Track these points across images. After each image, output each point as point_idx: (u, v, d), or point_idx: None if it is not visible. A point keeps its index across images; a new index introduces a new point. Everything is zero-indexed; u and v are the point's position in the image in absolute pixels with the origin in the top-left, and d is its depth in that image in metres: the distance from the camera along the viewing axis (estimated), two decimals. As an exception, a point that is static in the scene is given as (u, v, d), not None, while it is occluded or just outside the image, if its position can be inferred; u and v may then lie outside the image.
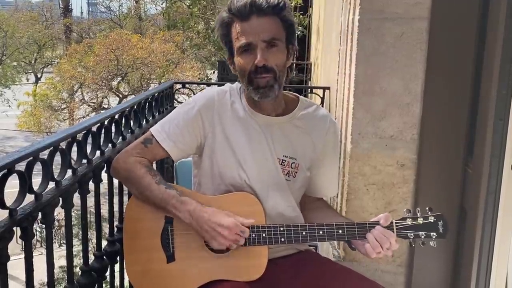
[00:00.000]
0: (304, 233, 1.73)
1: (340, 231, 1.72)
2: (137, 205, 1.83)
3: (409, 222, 1.72)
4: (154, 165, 2.50)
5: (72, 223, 1.93)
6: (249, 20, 1.73)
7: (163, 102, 3.28)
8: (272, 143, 1.84)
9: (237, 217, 1.70)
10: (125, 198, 2.24)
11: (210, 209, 1.72)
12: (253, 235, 1.72)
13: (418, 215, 1.73)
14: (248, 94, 1.81)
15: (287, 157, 1.86)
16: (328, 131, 1.94)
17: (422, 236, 1.72)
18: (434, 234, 1.71)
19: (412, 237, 1.72)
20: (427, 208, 1.74)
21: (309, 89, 4.91)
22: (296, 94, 1.99)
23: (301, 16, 8.02)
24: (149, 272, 1.80)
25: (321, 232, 1.73)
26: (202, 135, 1.83)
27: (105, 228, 2.38)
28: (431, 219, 1.72)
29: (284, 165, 1.86)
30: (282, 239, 1.73)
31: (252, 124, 1.84)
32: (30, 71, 30.24)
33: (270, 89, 1.76)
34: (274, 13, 1.74)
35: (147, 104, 2.86)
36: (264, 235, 1.72)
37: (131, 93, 19.83)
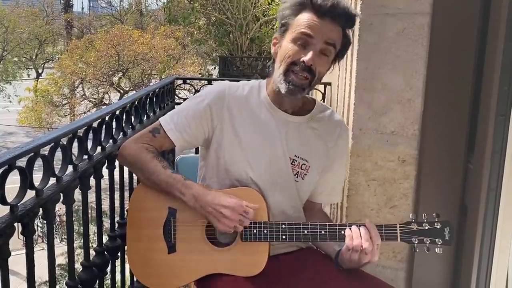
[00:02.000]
0: (305, 231, 1.73)
1: (342, 232, 1.72)
2: (142, 195, 1.85)
3: (414, 227, 1.71)
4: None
5: (73, 218, 1.94)
6: (323, 18, 1.70)
7: (164, 97, 3.27)
8: (286, 141, 1.84)
9: (242, 200, 1.69)
10: (126, 194, 2.24)
11: (213, 191, 1.73)
12: (255, 231, 1.73)
13: (424, 221, 1.72)
14: (276, 84, 1.78)
15: (298, 157, 1.86)
16: (341, 136, 1.94)
17: (427, 242, 1.70)
18: (440, 240, 1.70)
19: (416, 242, 1.71)
20: (434, 214, 1.73)
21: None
22: (312, 97, 1.99)
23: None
24: (150, 262, 1.81)
25: (323, 232, 1.73)
26: (210, 129, 1.84)
27: (106, 224, 2.38)
28: (437, 225, 1.71)
29: (294, 165, 1.86)
30: (284, 237, 1.73)
31: (269, 119, 1.83)
32: (31, 67, 30.27)
33: (300, 91, 1.76)
34: (343, 25, 1.74)
35: (148, 99, 2.86)
36: (265, 231, 1.73)
37: (132, 88, 19.83)
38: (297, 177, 1.87)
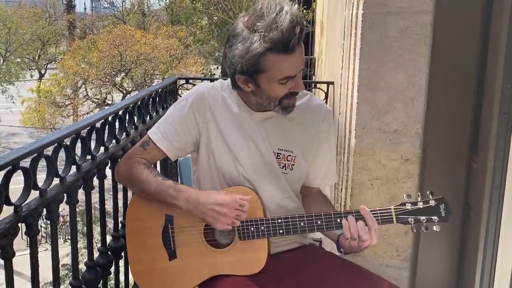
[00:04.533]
0: (302, 223, 1.73)
1: (338, 220, 1.71)
2: (138, 205, 1.85)
3: (408, 207, 1.69)
4: (158, 163, 2.51)
5: (77, 219, 1.94)
6: (294, 52, 1.65)
7: (166, 98, 3.28)
8: (267, 138, 1.84)
9: (235, 194, 1.70)
10: (129, 194, 2.25)
11: (206, 192, 1.73)
12: (252, 228, 1.73)
13: (419, 200, 1.71)
14: (271, 109, 1.79)
15: (282, 150, 1.86)
16: (323, 120, 1.93)
17: (423, 221, 1.68)
18: (436, 218, 1.68)
19: (412, 223, 1.69)
20: (428, 192, 1.71)
21: (313, 84, 4.91)
22: None
23: (305, 11, 8.01)
24: (153, 271, 1.81)
25: (319, 222, 1.72)
26: (196, 132, 1.84)
27: (110, 224, 2.39)
28: (432, 202, 1.69)
29: (280, 158, 1.86)
30: (281, 231, 1.73)
31: (247, 120, 1.84)
32: (34, 68, 30.34)
33: (294, 105, 1.79)
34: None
35: (150, 100, 2.86)
36: (262, 228, 1.73)
37: (134, 89, 19.88)
38: (285, 169, 1.87)
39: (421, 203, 1.70)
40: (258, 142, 1.83)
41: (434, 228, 1.70)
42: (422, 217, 1.69)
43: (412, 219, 1.69)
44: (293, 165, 1.88)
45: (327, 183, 2.08)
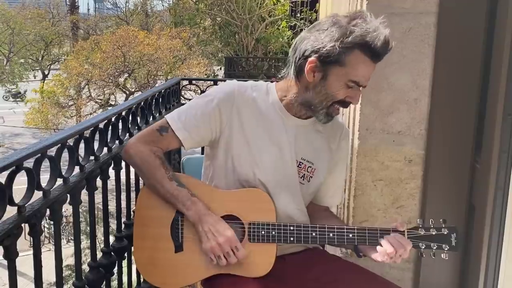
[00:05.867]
0: (314, 234, 1.74)
1: (351, 235, 1.72)
2: (150, 194, 1.83)
3: (421, 232, 1.72)
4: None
5: (80, 219, 1.94)
6: (374, 62, 1.70)
7: (169, 98, 3.28)
8: (294, 144, 1.83)
9: (237, 240, 1.71)
10: (133, 195, 2.25)
11: (217, 217, 1.73)
12: (263, 232, 1.73)
13: (431, 226, 1.72)
14: (313, 111, 1.78)
15: (305, 160, 1.86)
16: (343, 138, 1.95)
17: (434, 248, 1.71)
18: (446, 246, 1.71)
19: (423, 248, 1.71)
20: (441, 220, 1.73)
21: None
22: None
23: (308, 12, 8.00)
24: (157, 260, 1.81)
25: (331, 235, 1.73)
26: (218, 129, 1.82)
27: (113, 225, 2.39)
28: (444, 231, 1.71)
29: (301, 167, 1.86)
30: (292, 239, 1.73)
31: (278, 123, 1.82)
32: (37, 68, 30.45)
33: (334, 116, 1.80)
34: None
35: (154, 100, 2.86)
36: (273, 233, 1.73)
37: (137, 89, 19.89)
38: (303, 179, 1.87)
39: (434, 230, 1.72)
40: (284, 147, 1.82)
41: (442, 256, 1.72)
42: (433, 244, 1.71)
43: (423, 244, 1.72)
44: (311, 177, 1.88)
45: (334, 203, 2.08)
